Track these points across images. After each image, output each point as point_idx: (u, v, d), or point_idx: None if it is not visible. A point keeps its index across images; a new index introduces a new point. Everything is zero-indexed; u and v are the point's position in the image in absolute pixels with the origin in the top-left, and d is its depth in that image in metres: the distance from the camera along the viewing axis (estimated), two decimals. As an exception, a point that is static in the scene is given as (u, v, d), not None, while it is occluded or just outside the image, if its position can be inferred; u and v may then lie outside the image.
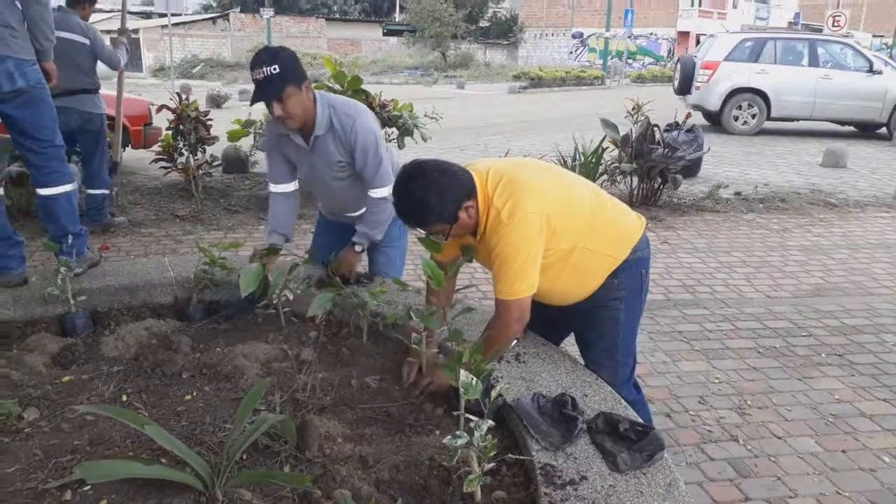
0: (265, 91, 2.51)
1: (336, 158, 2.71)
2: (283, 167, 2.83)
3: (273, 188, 2.88)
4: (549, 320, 2.36)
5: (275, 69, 2.47)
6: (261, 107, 2.72)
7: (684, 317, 4.15)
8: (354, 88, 6.16)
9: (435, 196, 1.95)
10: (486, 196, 2.03)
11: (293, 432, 1.76)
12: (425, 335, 2.14)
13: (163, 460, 1.70)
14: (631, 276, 2.23)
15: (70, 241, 3.03)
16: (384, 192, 2.72)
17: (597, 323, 2.29)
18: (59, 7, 5.20)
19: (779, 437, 2.89)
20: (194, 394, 2.11)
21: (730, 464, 2.70)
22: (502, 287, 2.02)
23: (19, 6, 2.86)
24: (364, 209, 2.85)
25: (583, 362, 2.31)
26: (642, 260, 2.27)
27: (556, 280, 2.13)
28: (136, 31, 32.05)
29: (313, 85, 5.20)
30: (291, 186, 2.88)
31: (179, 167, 6.32)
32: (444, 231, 2.04)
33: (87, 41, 5.08)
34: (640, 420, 1.85)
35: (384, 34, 43.30)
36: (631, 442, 1.71)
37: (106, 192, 5.49)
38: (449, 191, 1.97)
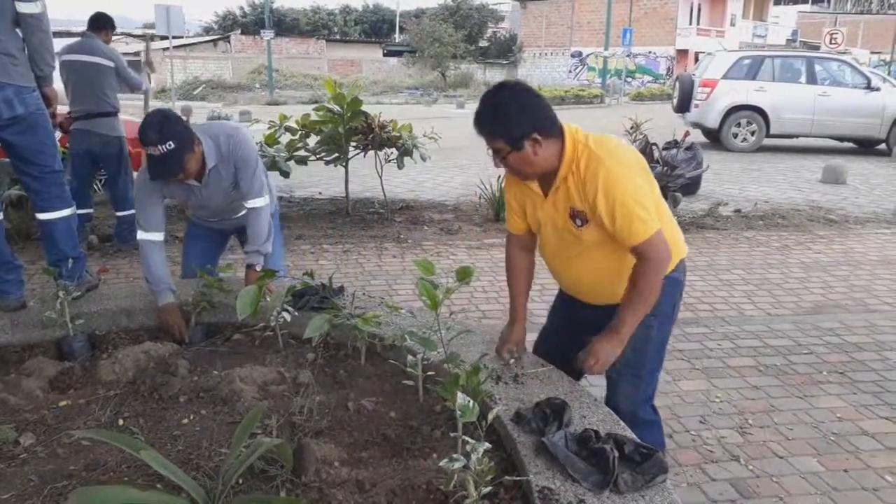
0: (167, 168, 2.58)
1: (229, 181, 2.87)
2: (161, 213, 2.86)
3: (150, 237, 2.80)
4: (577, 337, 2.31)
5: (170, 146, 2.52)
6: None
7: (685, 335, 4.13)
8: (354, 110, 6.21)
9: (515, 107, 1.95)
10: (575, 142, 2.02)
11: (289, 456, 1.75)
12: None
13: (159, 485, 1.69)
14: (669, 294, 2.16)
15: (69, 264, 3.04)
16: (260, 201, 2.92)
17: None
18: (83, 33, 5.34)
19: (780, 457, 2.87)
20: (191, 417, 2.10)
21: (731, 484, 2.67)
22: (637, 228, 1.94)
23: (20, 34, 2.89)
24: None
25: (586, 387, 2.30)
26: (680, 283, 2.24)
27: (609, 259, 2.10)
28: (137, 53, 32.34)
29: (314, 107, 5.23)
30: (162, 235, 2.87)
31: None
32: (503, 151, 2.00)
33: (112, 64, 5.21)
34: (640, 441, 1.83)
35: (384, 55, 43.68)
36: (635, 464, 1.70)
37: (134, 211, 5.55)
38: (529, 112, 1.96)
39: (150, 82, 5.70)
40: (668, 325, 2.27)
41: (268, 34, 27.91)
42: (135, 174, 5.77)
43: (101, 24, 5.37)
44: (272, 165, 6.49)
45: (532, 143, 1.97)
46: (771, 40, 41.07)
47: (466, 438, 1.62)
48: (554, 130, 2.01)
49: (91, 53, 5.17)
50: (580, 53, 40.27)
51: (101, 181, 6.66)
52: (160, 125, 2.53)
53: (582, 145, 2.02)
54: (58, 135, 4.32)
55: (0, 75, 2.77)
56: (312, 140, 6.65)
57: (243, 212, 3.04)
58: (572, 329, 2.33)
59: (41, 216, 3.06)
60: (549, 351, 2.40)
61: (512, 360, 2.28)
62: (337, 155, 6.63)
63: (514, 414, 1.92)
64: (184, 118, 2.74)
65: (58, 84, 3.58)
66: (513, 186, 2.25)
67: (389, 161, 6.69)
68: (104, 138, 5.24)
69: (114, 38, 5.65)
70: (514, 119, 1.96)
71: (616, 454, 1.69)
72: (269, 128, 6.72)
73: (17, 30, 2.89)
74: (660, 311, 2.16)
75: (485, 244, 6.06)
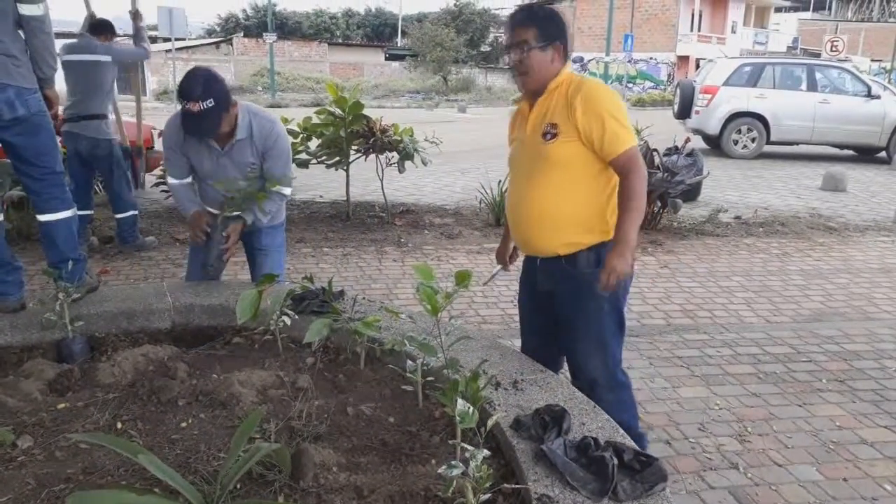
0: (204, 126, 2.70)
1: (249, 160, 2.95)
2: (185, 164, 3.04)
3: (179, 181, 3.09)
4: (541, 326, 2.50)
5: (210, 103, 2.62)
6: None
7: (684, 342, 4.13)
8: (355, 113, 6.21)
9: (558, 16, 2.25)
10: (571, 73, 2.27)
11: (287, 461, 1.74)
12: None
13: (156, 490, 1.69)
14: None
15: (70, 266, 3.03)
16: (286, 190, 3.10)
17: (586, 322, 2.34)
18: (81, 34, 5.35)
19: (779, 465, 2.86)
20: (190, 421, 2.09)
21: (730, 492, 2.67)
22: (624, 136, 2.15)
23: (22, 35, 2.89)
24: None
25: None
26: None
27: (564, 184, 2.23)
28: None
29: (316, 110, 5.22)
30: (190, 178, 3.11)
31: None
32: (530, 44, 2.19)
33: (108, 58, 5.23)
34: (639, 448, 1.83)
35: (386, 58, 43.71)
36: (634, 472, 1.70)
37: (134, 212, 5.59)
38: (564, 27, 2.25)
39: (147, 42, 5.64)
40: (616, 292, 2.30)
41: (270, 37, 27.94)
42: (130, 174, 5.82)
43: (101, 28, 5.42)
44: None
45: (554, 50, 2.22)
46: (772, 47, 41.15)
47: (465, 445, 1.61)
48: (567, 56, 2.27)
49: (87, 52, 5.19)
50: (581, 59, 40.27)
51: (102, 182, 6.66)
52: (204, 81, 2.66)
53: (577, 76, 2.27)
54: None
55: (2, 76, 2.76)
56: (314, 143, 6.65)
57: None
58: (541, 321, 2.51)
59: (41, 217, 3.06)
60: (529, 350, 2.54)
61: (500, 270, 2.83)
62: (338, 158, 6.64)
63: (513, 420, 1.92)
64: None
65: (60, 86, 3.58)
66: (513, 118, 2.48)
67: (390, 165, 6.70)
68: (91, 141, 5.23)
69: (116, 39, 5.68)
70: (555, 21, 2.23)
71: (615, 462, 1.69)
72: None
73: (20, 31, 2.89)
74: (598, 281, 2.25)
75: (485, 248, 6.06)
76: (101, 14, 5.61)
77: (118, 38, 5.72)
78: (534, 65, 2.21)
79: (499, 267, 2.85)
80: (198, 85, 2.62)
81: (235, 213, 3.01)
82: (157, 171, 6.53)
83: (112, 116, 5.62)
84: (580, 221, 2.26)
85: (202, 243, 3.02)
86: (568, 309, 2.37)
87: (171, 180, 3.13)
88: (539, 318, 2.54)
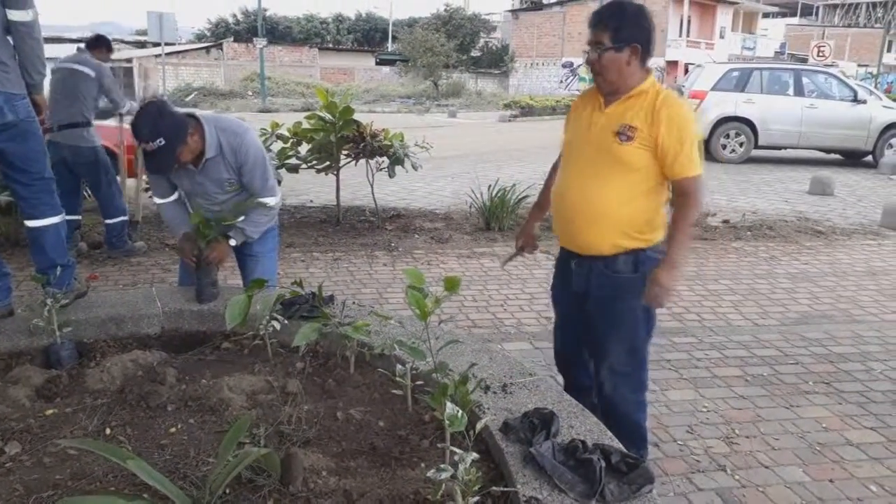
0: (160, 164, 2.70)
1: (225, 177, 2.92)
2: (166, 184, 3.02)
3: (164, 201, 3.08)
4: (575, 324, 2.54)
5: (161, 142, 2.59)
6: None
7: (672, 345, 4.16)
8: (346, 118, 6.22)
9: (637, 16, 2.21)
10: (655, 81, 2.26)
11: (277, 466, 1.75)
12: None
13: (145, 495, 1.69)
14: (649, 269, 2.34)
15: (58, 272, 3.02)
16: (271, 201, 3.03)
17: (619, 324, 2.39)
18: (78, 48, 5.48)
19: (766, 467, 2.89)
20: (179, 426, 2.10)
21: (718, 494, 2.69)
22: (696, 161, 2.21)
23: (11, 42, 2.89)
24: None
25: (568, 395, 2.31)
26: (657, 261, 2.36)
27: (626, 186, 2.26)
28: (129, 59, 32.33)
29: (306, 115, 5.18)
30: (176, 195, 3.08)
31: (170, 196, 6.34)
32: (604, 45, 2.19)
33: (92, 73, 5.23)
34: (627, 452, 1.85)
35: (377, 63, 43.77)
36: (621, 474, 1.71)
37: (124, 218, 5.58)
38: (645, 28, 2.22)
39: (128, 107, 5.61)
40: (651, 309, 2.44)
41: (260, 42, 27.90)
42: (120, 178, 5.80)
43: (96, 43, 5.50)
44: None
45: (631, 52, 2.20)
46: (759, 52, 41.47)
47: (454, 448, 1.62)
48: (648, 59, 2.25)
49: (75, 62, 5.26)
50: (571, 63, 40.46)
51: (90, 188, 6.64)
52: (153, 121, 2.62)
53: (663, 88, 2.27)
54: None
55: (-10, 82, 2.77)
56: (304, 148, 6.65)
57: (241, 218, 3.06)
58: (575, 319, 2.54)
59: (30, 223, 3.05)
60: (561, 348, 2.67)
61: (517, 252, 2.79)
62: (328, 163, 6.64)
63: (502, 424, 1.93)
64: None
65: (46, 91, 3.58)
66: (578, 105, 2.47)
67: (381, 170, 6.71)
68: (73, 149, 5.22)
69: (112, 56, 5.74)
70: (631, 22, 2.20)
71: (603, 464, 1.70)
72: (261, 135, 6.73)
73: (8, 37, 2.89)
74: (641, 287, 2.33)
75: (475, 253, 6.07)
76: (92, 15, 5.62)
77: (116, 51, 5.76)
78: (607, 66, 2.22)
79: (516, 250, 2.82)
80: (146, 125, 2.60)
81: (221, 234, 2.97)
82: (146, 177, 6.51)
83: (106, 122, 5.63)
84: (632, 225, 2.31)
85: (192, 270, 2.96)
86: (601, 310, 2.41)
87: (156, 200, 3.12)
88: (574, 316, 2.57)
